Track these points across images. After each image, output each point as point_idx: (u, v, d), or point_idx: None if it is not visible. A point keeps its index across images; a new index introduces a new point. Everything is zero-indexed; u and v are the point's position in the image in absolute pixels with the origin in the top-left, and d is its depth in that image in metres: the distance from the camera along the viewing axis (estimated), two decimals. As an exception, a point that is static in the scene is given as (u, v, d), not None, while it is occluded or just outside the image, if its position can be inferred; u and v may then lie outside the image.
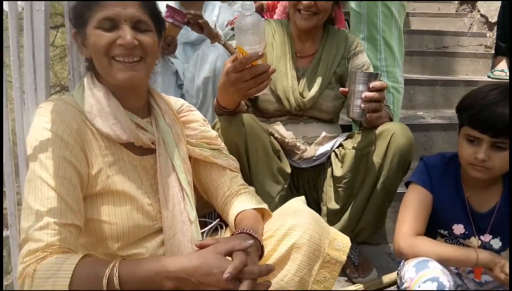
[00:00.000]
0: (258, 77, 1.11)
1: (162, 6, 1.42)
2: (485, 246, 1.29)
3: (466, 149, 1.19)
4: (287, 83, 1.55)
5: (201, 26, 1.87)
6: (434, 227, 1.31)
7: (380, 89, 1.29)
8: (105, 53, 0.94)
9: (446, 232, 1.31)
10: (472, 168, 1.19)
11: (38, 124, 0.92)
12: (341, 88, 1.39)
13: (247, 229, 0.95)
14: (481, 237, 1.29)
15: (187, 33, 2.10)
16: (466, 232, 1.29)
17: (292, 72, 1.57)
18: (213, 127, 1.30)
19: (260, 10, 2.88)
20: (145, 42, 0.97)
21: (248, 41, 1.06)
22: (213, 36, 1.92)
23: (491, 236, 1.29)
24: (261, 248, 0.95)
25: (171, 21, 1.79)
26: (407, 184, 1.35)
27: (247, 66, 1.10)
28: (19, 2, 0.99)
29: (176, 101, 1.19)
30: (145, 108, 1.08)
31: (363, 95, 1.28)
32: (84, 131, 0.96)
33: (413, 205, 1.27)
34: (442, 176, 1.29)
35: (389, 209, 1.63)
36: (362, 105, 1.29)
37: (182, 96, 2.01)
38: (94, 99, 0.97)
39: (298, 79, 1.58)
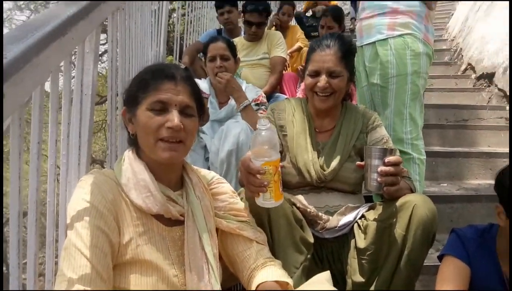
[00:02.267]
0: (252, 185, 1.17)
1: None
2: None
3: None
4: (308, 156, 1.60)
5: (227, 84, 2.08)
6: None
7: (395, 164, 1.33)
8: (153, 134, 1.04)
9: None
10: None
11: (77, 195, 1.00)
12: (358, 163, 1.44)
13: None
14: None
15: (215, 112, 2.27)
16: None
17: (312, 146, 1.63)
18: None
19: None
20: (189, 126, 1.08)
21: (264, 154, 1.15)
22: (240, 97, 2.14)
23: None
24: None
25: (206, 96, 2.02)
26: (440, 258, 1.33)
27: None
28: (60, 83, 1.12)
29: (207, 174, 1.26)
30: (178, 181, 1.15)
31: (378, 169, 1.33)
32: (119, 202, 1.03)
33: (451, 278, 1.25)
34: (479, 249, 1.28)
35: (418, 283, 1.59)
36: (379, 179, 1.33)
37: (209, 168, 2.10)
38: (132, 173, 1.05)
39: (318, 153, 1.63)
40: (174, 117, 1.03)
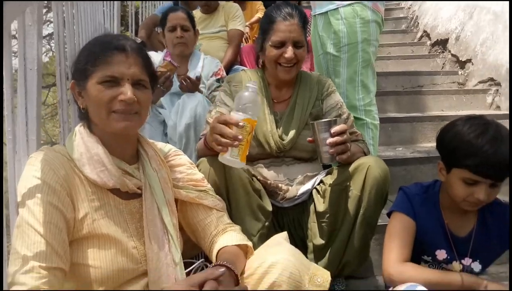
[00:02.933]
0: (221, 137, 1.22)
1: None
2: (466, 270, 1.33)
3: (464, 189, 1.23)
4: (266, 127, 1.62)
5: (195, 85, 2.05)
6: (418, 254, 1.36)
7: (341, 133, 1.36)
8: (106, 107, 1.02)
9: (430, 258, 1.36)
10: (467, 204, 1.26)
11: (27, 173, 0.98)
12: (308, 138, 1.46)
13: (222, 261, 0.99)
14: (462, 261, 1.34)
15: (174, 84, 2.23)
16: (448, 257, 1.34)
17: (270, 117, 1.65)
18: None
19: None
20: (142, 98, 1.06)
21: (247, 110, 1.22)
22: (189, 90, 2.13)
23: (471, 260, 1.34)
24: (237, 278, 0.99)
25: (169, 60, 2.02)
26: (389, 215, 1.41)
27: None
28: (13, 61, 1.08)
29: (164, 147, 1.26)
30: (133, 154, 1.14)
31: (327, 141, 1.36)
32: (72, 178, 1.01)
33: (398, 233, 1.31)
34: (423, 204, 1.35)
35: (374, 242, 1.67)
36: (330, 151, 1.36)
37: (168, 143, 2.09)
38: (85, 148, 1.04)
39: (276, 123, 1.65)
40: (127, 91, 1.02)
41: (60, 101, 1.42)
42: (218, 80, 2.33)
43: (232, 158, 1.22)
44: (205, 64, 2.36)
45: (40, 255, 0.89)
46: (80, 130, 1.07)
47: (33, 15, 1.19)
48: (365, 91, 2.06)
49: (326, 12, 2.05)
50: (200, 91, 2.16)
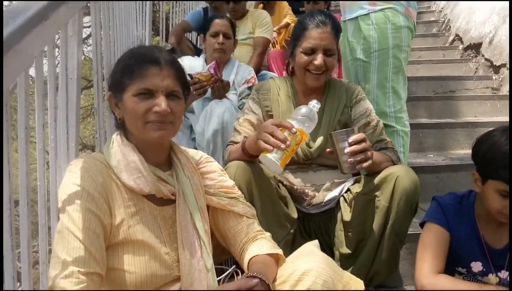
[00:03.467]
0: (271, 137, 1.26)
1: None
2: (503, 283, 1.30)
3: (499, 201, 1.21)
4: None
5: (225, 88, 2.09)
6: (452, 265, 1.33)
7: (360, 141, 1.35)
8: (141, 118, 1.06)
9: (464, 269, 1.33)
10: (503, 216, 1.23)
11: (67, 180, 1.02)
12: (328, 149, 1.46)
13: (255, 272, 1.00)
14: (499, 274, 1.30)
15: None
16: (484, 270, 1.31)
17: None
18: None
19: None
20: (176, 109, 1.09)
21: (303, 122, 1.29)
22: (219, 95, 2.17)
23: (508, 273, 1.30)
24: (269, 289, 0.99)
25: (212, 72, 2.11)
26: (421, 225, 1.38)
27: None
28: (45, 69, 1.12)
29: (195, 154, 1.28)
30: (167, 162, 1.17)
31: (345, 151, 1.36)
32: (109, 185, 1.05)
33: (431, 244, 1.29)
34: (458, 215, 1.32)
35: (404, 251, 1.65)
36: (349, 160, 1.35)
37: (195, 148, 2.13)
38: (121, 155, 1.07)
39: None
40: (161, 102, 1.05)
41: (97, 109, 1.47)
42: (249, 88, 2.34)
43: (274, 159, 1.25)
44: (238, 71, 2.40)
45: (79, 260, 0.93)
46: (117, 139, 1.11)
47: (74, 26, 1.23)
48: (396, 98, 2.03)
49: (356, 17, 2.04)
50: (227, 97, 2.18)
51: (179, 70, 1.13)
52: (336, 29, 1.64)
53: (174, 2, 4.20)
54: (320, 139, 1.62)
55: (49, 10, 0.95)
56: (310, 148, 1.61)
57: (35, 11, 0.87)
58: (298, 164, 1.63)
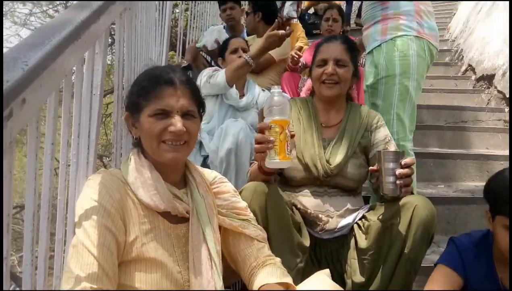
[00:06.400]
0: (260, 145, 1.31)
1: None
2: None
3: (507, 238, 1.21)
4: (314, 151, 1.65)
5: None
6: None
7: (410, 165, 1.38)
8: (156, 138, 1.08)
9: None
10: None
11: (85, 194, 1.03)
12: (371, 168, 1.49)
13: None
14: None
15: (236, 98, 2.34)
16: None
17: (318, 142, 1.68)
18: None
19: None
20: (191, 128, 1.11)
21: (273, 113, 1.31)
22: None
23: None
24: None
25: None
26: (435, 265, 1.37)
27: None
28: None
29: (210, 173, 1.29)
30: (182, 180, 1.19)
31: (397, 172, 1.37)
32: (126, 201, 1.06)
33: (439, 285, 1.28)
34: (475, 259, 1.31)
35: (414, 283, 1.63)
36: (398, 182, 1.37)
37: (206, 166, 2.14)
38: (138, 172, 1.09)
39: (324, 148, 1.68)
40: (177, 123, 1.07)
41: (115, 123, 1.50)
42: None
43: (272, 160, 1.30)
44: (261, 93, 2.48)
45: (92, 276, 0.93)
46: (134, 156, 1.13)
47: (100, 44, 1.27)
48: (400, 125, 2.02)
49: (372, 50, 2.10)
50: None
51: (194, 90, 1.16)
52: (349, 44, 1.74)
53: (192, 19, 4.26)
54: (340, 157, 1.64)
55: (81, 29, 0.98)
56: (330, 164, 1.63)
57: (69, 30, 0.90)
58: (315, 186, 1.64)
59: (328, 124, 1.75)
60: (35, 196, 0.80)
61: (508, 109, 3.05)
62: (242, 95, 2.39)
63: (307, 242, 1.50)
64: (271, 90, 1.34)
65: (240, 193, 1.41)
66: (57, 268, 1.04)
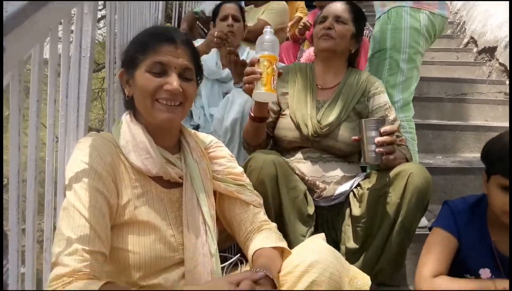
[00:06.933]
0: (248, 76, 1.37)
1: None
2: None
3: (501, 197, 1.20)
4: (306, 111, 1.64)
5: (235, 63, 2.03)
6: (460, 273, 1.30)
7: (391, 133, 1.36)
8: (151, 96, 1.04)
9: (473, 277, 1.30)
10: (506, 215, 1.20)
11: (76, 157, 1.01)
12: (353, 137, 1.48)
13: (261, 269, 0.98)
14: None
15: (218, 71, 2.27)
16: (493, 276, 1.27)
17: (311, 102, 1.67)
18: (245, 166, 1.38)
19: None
20: (188, 90, 1.08)
21: (263, 48, 1.37)
22: (240, 75, 2.02)
23: None
24: (274, 285, 0.98)
25: None
26: (430, 229, 1.37)
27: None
28: (59, 46, 1.11)
29: (205, 137, 1.27)
30: (176, 145, 1.16)
31: (375, 140, 1.36)
32: (117, 164, 1.04)
33: (436, 248, 1.27)
34: (469, 222, 1.30)
35: (409, 250, 1.63)
36: (377, 150, 1.36)
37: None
38: (130, 136, 1.06)
39: (318, 109, 1.67)
40: (173, 81, 1.03)
41: (108, 89, 1.46)
42: None
43: (258, 90, 1.35)
44: (248, 57, 2.35)
45: (83, 238, 0.92)
46: (126, 119, 1.10)
47: (90, 5, 1.22)
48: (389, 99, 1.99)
49: (374, 22, 2.10)
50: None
51: (193, 51, 1.12)
52: (354, 6, 1.76)
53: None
54: (332, 118, 1.63)
55: (66, -16, 0.94)
56: (320, 123, 1.62)
57: (52, -17, 0.86)
58: (307, 147, 1.63)
59: (324, 86, 1.74)
60: (19, 153, 0.77)
61: (509, 101, 3.04)
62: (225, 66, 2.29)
63: (312, 210, 1.52)
64: (263, 29, 1.39)
65: (248, 163, 1.41)
66: (47, 230, 1.02)
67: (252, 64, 1.38)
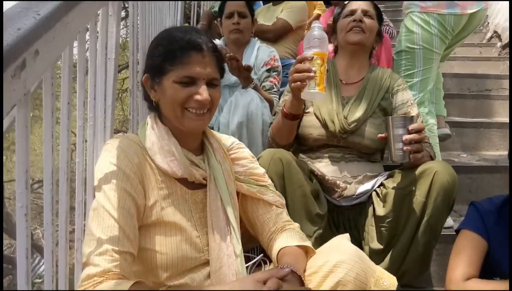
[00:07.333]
0: (298, 74, 1.32)
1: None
2: None
3: None
4: (332, 107, 1.63)
5: (239, 68, 1.97)
6: (489, 275, 1.27)
7: (418, 131, 1.34)
8: (181, 105, 1.05)
9: (503, 278, 1.27)
10: None
11: (104, 158, 1.03)
12: (380, 135, 1.46)
13: (287, 265, 0.98)
14: None
15: (227, 76, 2.21)
16: None
17: (337, 98, 1.66)
18: None
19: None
20: (215, 97, 1.09)
21: (315, 45, 1.33)
22: (246, 79, 2.02)
23: None
24: (301, 281, 0.98)
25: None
26: (457, 231, 1.34)
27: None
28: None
29: (227, 139, 1.27)
30: (199, 146, 1.17)
31: (403, 138, 1.34)
32: (144, 166, 1.05)
33: (466, 251, 1.25)
34: (497, 222, 1.27)
35: (434, 252, 1.60)
36: (405, 148, 1.34)
37: None
38: (156, 138, 1.07)
39: (343, 106, 1.65)
40: (203, 92, 1.04)
41: (131, 90, 1.48)
42: (268, 70, 2.22)
43: (311, 90, 1.31)
44: (259, 54, 2.27)
45: (113, 239, 0.93)
46: (151, 121, 1.11)
47: (114, 6, 1.23)
48: None
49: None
50: (251, 80, 2.05)
51: (219, 57, 1.12)
52: (375, 4, 1.78)
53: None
54: (359, 114, 1.61)
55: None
56: (347, 119, 1.60)
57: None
58: (331, 147, 1.62)
59: (348, 82, 1.73)
60: (52, 156, 0.79)
61: (509, 105, 2.99)
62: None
63: (323, 210, 1.49)
64: (312, 25, 1.36)
65: (257, 159, 1.40)
66: (78, 230, 1.04)
67: (303, 61, 1.32)
